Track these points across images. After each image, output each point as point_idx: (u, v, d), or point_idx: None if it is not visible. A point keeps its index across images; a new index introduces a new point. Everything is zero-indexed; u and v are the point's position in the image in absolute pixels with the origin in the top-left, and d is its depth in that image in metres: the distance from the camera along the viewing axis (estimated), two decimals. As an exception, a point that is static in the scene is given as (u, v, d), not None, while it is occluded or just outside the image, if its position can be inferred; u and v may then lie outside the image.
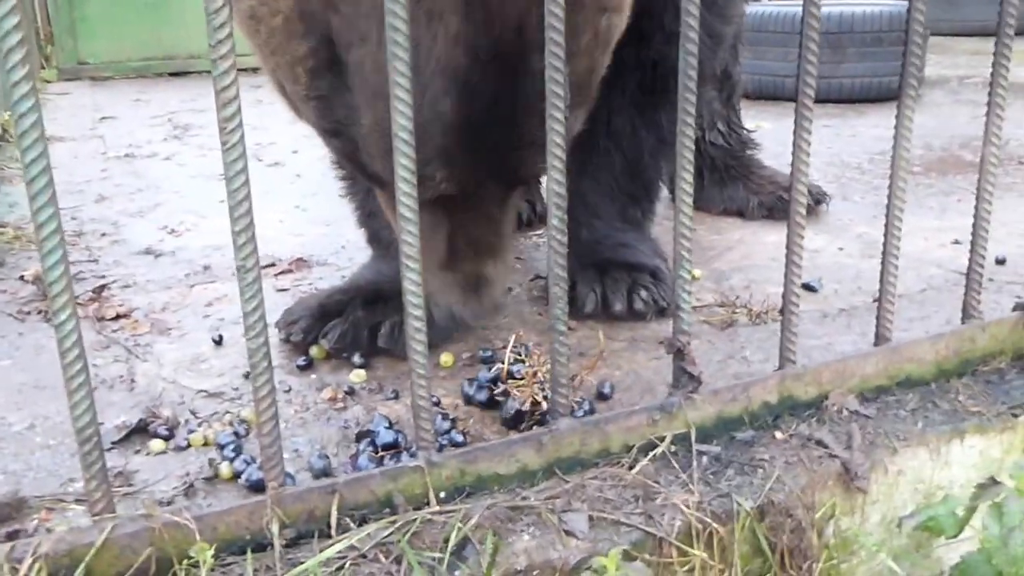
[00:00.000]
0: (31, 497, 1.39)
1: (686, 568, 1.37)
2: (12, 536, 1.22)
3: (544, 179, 1.33)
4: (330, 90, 1.39)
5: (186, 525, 1.18)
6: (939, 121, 4.63)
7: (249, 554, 1.19)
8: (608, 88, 2.03)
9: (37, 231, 1.06)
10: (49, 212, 1.05)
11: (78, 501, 1.40)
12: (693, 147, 1.39)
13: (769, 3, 5.41)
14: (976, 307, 1.74)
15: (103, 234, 2.89)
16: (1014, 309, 1.78)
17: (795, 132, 1.49)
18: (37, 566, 1.12)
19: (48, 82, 7.14)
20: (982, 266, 1.73)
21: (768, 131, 3.94)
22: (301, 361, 1.83)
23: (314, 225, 2.90)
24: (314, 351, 1.86)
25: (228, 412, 1.65)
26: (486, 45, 1.31)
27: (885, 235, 1.64)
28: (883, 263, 1.65)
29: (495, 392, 1.61)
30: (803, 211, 1.53)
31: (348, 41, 1.34)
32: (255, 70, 1.93)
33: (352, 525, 1.26)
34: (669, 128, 2.07)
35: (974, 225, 1.73)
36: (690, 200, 1.43)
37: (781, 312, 1.59)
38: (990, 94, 1.65)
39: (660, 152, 2.18)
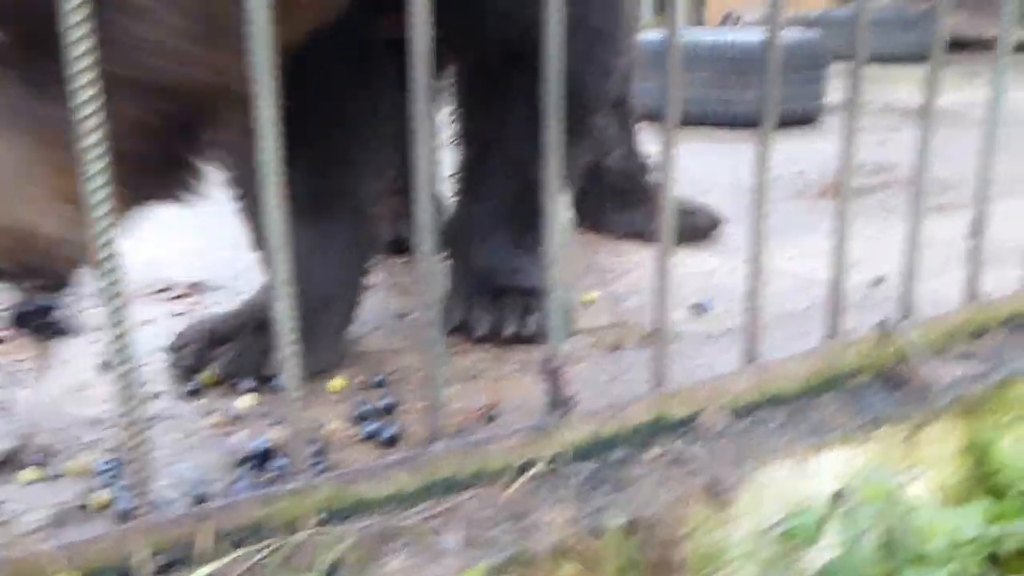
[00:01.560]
0: None
1: (559, 583, 1.42)
2: None
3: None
4: None
5: (49, 554, 1.18)
6: (837, 146, 4.81)
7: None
8: (499, 115, 2.09)
9: None
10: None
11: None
12: (559, 165, 1.45)
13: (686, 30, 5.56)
14: (840, 325, 1.84)
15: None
16: (875, 327, 1.88)
17: (664, 153, 1.57)
18: None
19: None
20: (843, 283, 1.83)
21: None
22: (190, 386, 1.84)
23: (216, 248, 2.89)
24: (203, 376, 1.86)
25: (112, 439, 1.65)
26: None
27: (754, 255, 1.73)
28: (752, 282, 1.73)
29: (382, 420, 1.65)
30: (671, 231, 1.60)
31: None
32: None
33: (228, 551, 1.28)
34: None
35: (835, 246, 1.82)
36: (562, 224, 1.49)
37: (653, 333, 1.65)
38: (848, 118, 1.76)
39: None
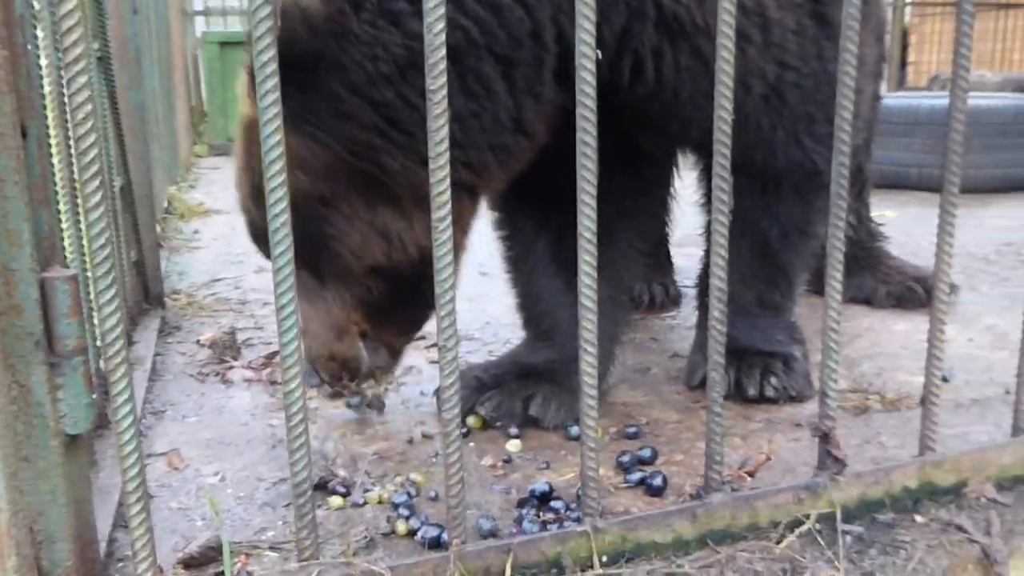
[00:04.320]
0: (230, 543, 1.57)
1: (831, 642, 1.45)
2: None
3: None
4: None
5: (381, 574, 1.33)
6: (1069, 212, 4.60)
7: (440, 603, 1.34)
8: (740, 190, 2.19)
9: (279, 312, 1.26)
10: (289, 296, 1.25)
11: (272, 548, 1.57)
12: (844, 244, 1.51)
13: (891, 95, 5.47)
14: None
15: (265, 303, 3.14)
16: None
17: (940, 224, 1.60)
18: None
19: (199, 156, 7.72)
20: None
21: (892, 220, 3.99)
22: (461, 431, 1.99)
23: (458, 301, 3.08)
24: (471, 421, 2.01)
25: (398, 474, 1.81)
26: None
27: (1024, 328, 1.71)
28: (1021, 354, 1.72)
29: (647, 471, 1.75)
30: (945, 302, 1.62)
31: None
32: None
33: (528, 583, 1.40)
34: (788, 218, 2.19)
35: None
36: (839, 293, 1.54)
37: (922, 401, 1.67)
38: None
39: (788, 240, 2.27)
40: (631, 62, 1.90)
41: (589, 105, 1.31)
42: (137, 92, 3.00)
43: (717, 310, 1.44)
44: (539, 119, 1.87)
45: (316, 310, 1.91)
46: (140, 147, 2.99)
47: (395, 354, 2.08)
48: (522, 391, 2.02)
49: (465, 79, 1.75)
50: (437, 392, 2.11)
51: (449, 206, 1.30)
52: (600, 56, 1.37)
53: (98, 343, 1.47)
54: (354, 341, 1.96)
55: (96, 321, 1.54)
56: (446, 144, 1.27)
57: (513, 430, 1.96)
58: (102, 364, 1.85)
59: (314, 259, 1.84)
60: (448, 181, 1.29)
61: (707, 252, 2.38)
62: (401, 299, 1.94)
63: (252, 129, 1.73)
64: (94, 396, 1.28)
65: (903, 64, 10.72)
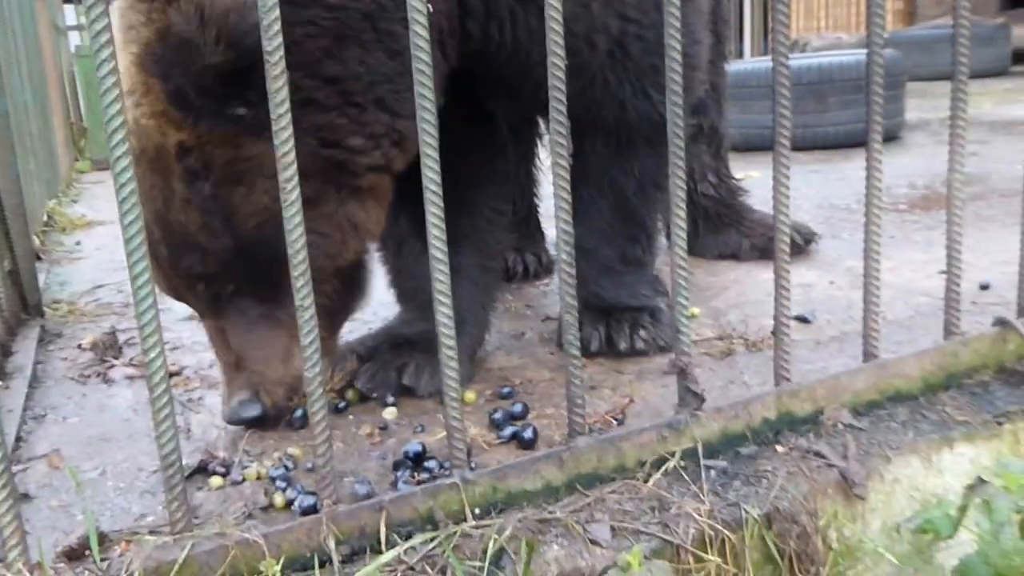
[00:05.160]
0: (111, 532, 1.52)
1: (702, 573, 1.50)
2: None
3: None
4: None
5: (256, 542, 1.32)
6: (921, 161, 4.84)
7: (316, 570, 1.33)
8: (579, 145, 2.24)
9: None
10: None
11: (152, 532, 1.53)
12: (684, 192, 1.55)
13: (752, 60, 5.64)
14: (957, 324, 1.89)
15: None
16: (993, 324, 1.93)
17: (774, 175, 1.66)
18: (128, 582, 1.25)
19: (82, 172, 7.45)
20: (958, 284, 1.88)
21: (758, 180, 4.13)
22: (340, 404, 1.98)
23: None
24: (349, 395, 2.01)
25: (276, 450, 1.79)
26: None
27: (865, 258, 1.80)
28: (865, 284, 1.80)
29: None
30: (787, 239, 1.69)
31: None
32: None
33: (399, 540, 1.40)
34: (644, 172, 2.25)
35: (948, 247, 1.88)
36: (683, 236, 1.59)
37: (773, 333, 1.73)
38: (951, 128, 1.82)
39: (643, 194, 2.31)
40: (497, 26, 1.92)
41: (424, 59, 1.31)
42: (1, 100, 2.89)
43: (565, 252, 1.46)
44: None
45: (277, 336, 1.86)
46: (7, 155, 2.90)
47: (330, 353, 2.02)
48: (395, 361, 2.02)
49: (384, 41, 1.76)
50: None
51: (295, 167, 1.29)
52: (431, 10, 1.36)
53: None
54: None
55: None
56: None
57: (389, 398, 1.96)
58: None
59: (269, 281, 1.79)
60: (292, 143, 1.28)
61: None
62: (347, 296, 1.94)
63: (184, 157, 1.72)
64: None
65: (766, 32, 11.09)
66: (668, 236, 3.08)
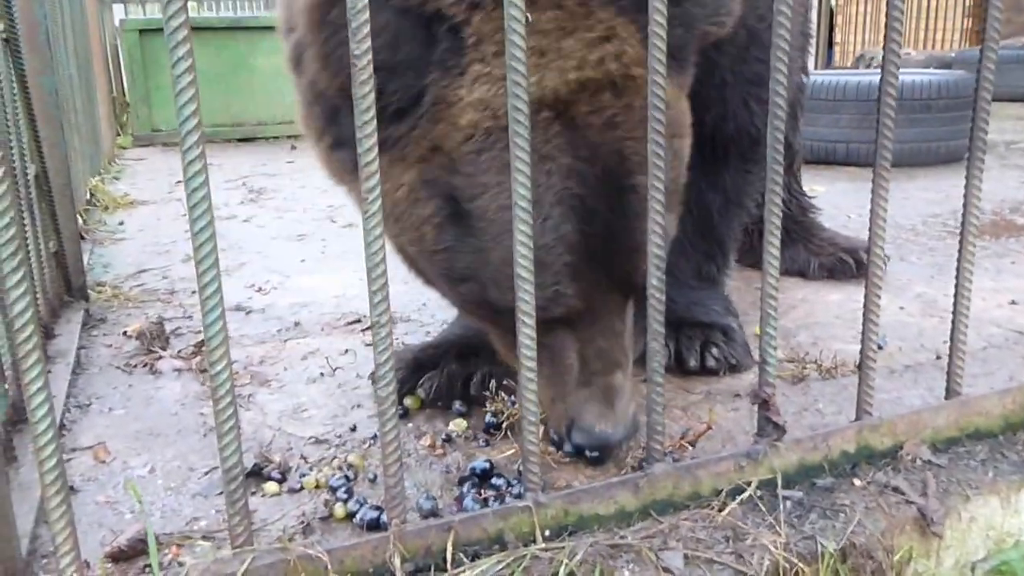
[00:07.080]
0: (161, 534, 1.51)
1: (774, 606, 1.45)
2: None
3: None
4: (455, 240, 1.54)
5: (319, 558, 1.29)
6: (988, 185, 4.67)
7: (380, 585, 1.31)
8: None
9: (201, 291, 1.20)
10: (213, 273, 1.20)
11: (205, 537, 1.52)
12: (780, 212, 1.50)
13: (818, 72, 5.55)
14: (1042, 363, 1.82)
15: (193, 292, 3.05)
16: (1080, 364, 1.86)
17: (872, 197, 1.60)
18: (186, 594, 1.24)
19: (123, 148, 7.50)
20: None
21: (822, 194, 4.05)
22: (399, 411, 1.95)
23: (393, 283, 3.03)
24: (409, 401, 1.98)
25: (335, 457, 1.77)
26: (592, 173, 1.47)
27: (956, 293, 1.73)
28: (953, 320, 1.74)
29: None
30: (880, 271, 1.64)
31: (471, 194, 1.49)
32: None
33: (465, 560, 1.37)
34: (732, 189, 2.20)
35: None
36: (776, 263, 1.54)
37: (859, 366, 1.68)
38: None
39: (728, 212, 2.28)
40: None
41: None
42: (50, 77, 2.86)
43: (655, 278, 1.42)
44: None
45: (624, 350, 1.65)
46: (55, 134, 2.85)
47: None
48: (462, 370, 1.99)
49: None
50: (372, 375, 2.07)
51: (378, 176, 1.26)
52: None
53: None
54: None
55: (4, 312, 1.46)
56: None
57: (458, 407, 1.93)
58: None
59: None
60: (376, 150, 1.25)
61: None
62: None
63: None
64: (6, 387, 1.21)
65: (830, 45, 10.92)
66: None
